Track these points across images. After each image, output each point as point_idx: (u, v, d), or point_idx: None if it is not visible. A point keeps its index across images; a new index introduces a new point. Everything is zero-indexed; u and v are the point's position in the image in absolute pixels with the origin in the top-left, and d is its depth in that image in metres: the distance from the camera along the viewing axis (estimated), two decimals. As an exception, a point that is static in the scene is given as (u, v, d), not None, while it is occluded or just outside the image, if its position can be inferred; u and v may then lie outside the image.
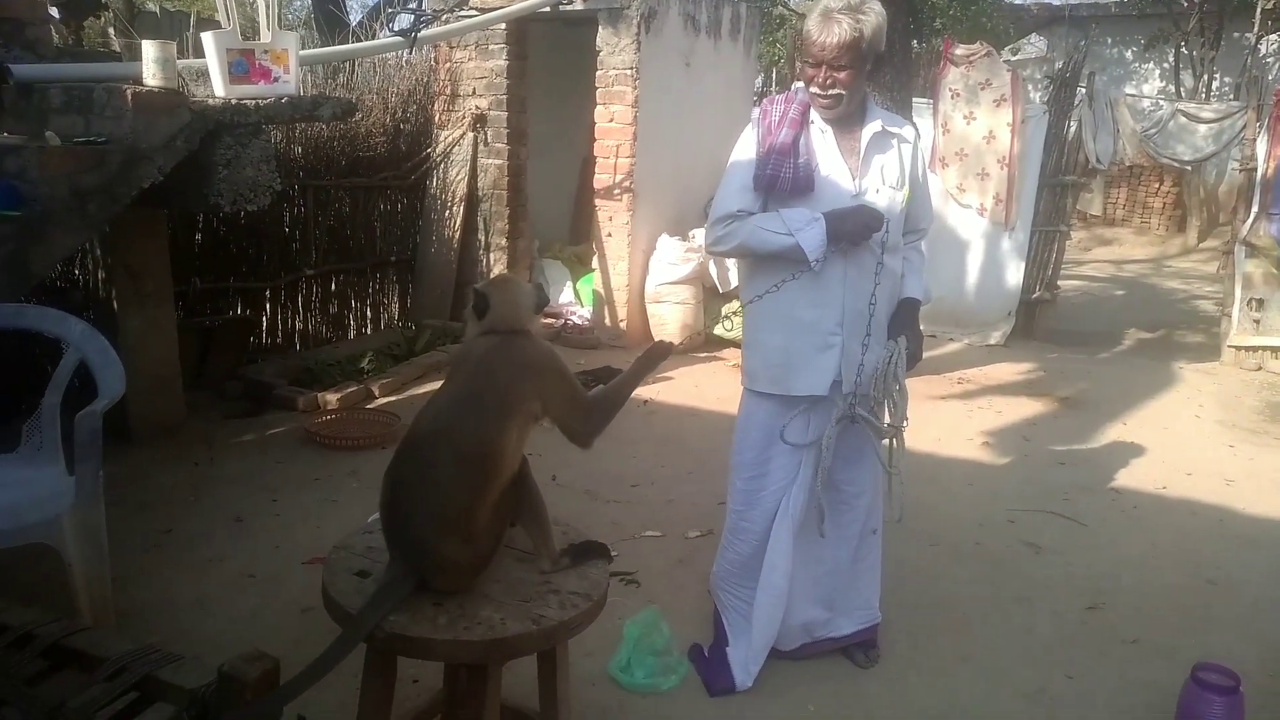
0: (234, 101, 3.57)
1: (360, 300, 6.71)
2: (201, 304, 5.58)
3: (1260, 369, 6.85)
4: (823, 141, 2.64)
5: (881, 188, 2.65)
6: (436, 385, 5.56)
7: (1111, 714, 2.78)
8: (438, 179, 6.83)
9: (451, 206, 6.82)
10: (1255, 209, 6.80)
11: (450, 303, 6.88)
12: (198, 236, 5.56)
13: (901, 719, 2.71)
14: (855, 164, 2.65)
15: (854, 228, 2.54)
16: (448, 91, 6.80)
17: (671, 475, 4.39)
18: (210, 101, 3.57)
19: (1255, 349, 6.92)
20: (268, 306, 6.02)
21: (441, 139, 6.82)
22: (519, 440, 2.08)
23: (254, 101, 3.61)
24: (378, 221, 6.71)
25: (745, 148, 2.68)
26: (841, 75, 2.51)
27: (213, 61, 3.57)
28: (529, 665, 2.20)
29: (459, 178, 6.78)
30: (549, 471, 4.37)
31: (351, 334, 6.60)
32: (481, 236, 6.93)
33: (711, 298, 6.70)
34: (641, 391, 5.67)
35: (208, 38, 3.57)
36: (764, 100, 2.82)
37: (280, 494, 4.03)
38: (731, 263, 6.71)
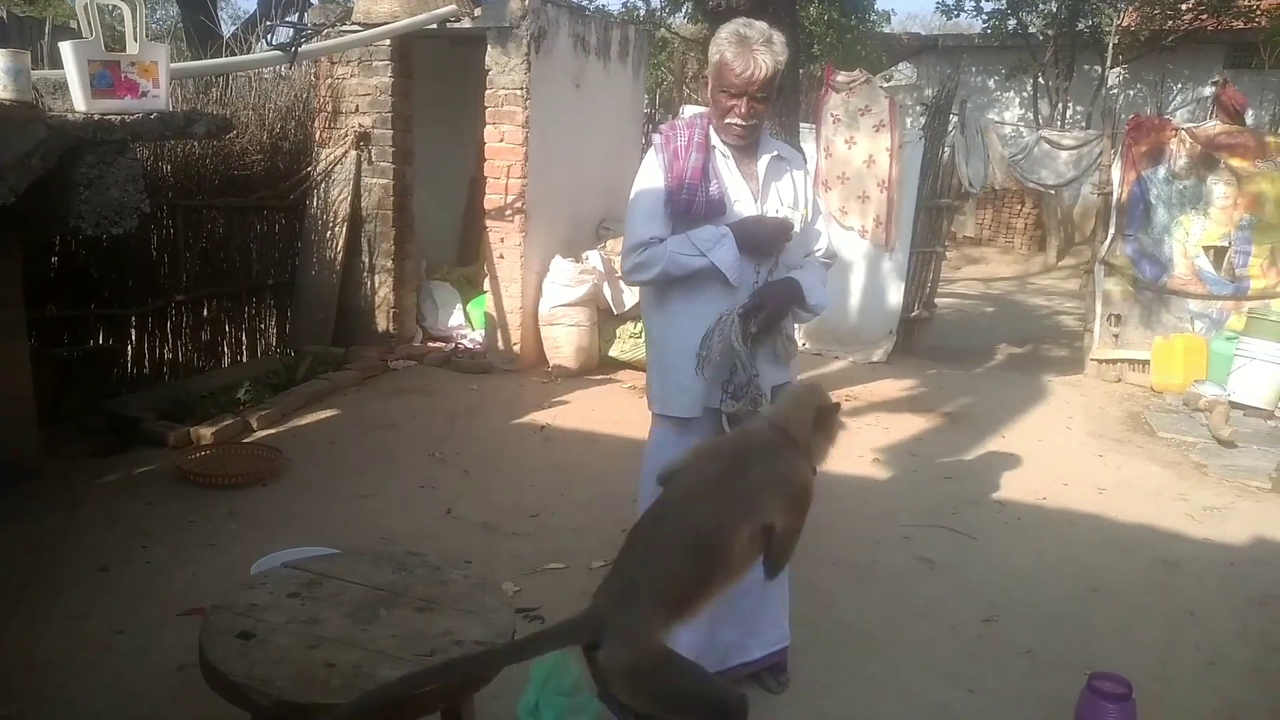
0: (97, 117, 3.31)
1: (235, 326, 6.37)
2: (59, 333, 5.17)
3: (1120, 380, 7.29)
4: (726, 167, 2.68)
5: (781, 208, 2.73)
6: (320, 416, 5.43)
7: None
8: (319, 198, 6.56)
9: (333, 227, 6.57)
10: (1112, 231, 7.26)
11: (332, 328, 6.62)
12: (54, 259, 5.16)
13: (814, 745, 2.71)
14: (756, 188, 2.71)
15: (768, 235, 2.60)
16: (329, 108, 6.56)
17: (573, 503, 4.30)
18: (70, 116, 3.31)
19: (1115, 362, 7.37)
20: (133, 334, 5.63)
21: (323, 157, 6.57)
22: (746, 548, 1.99)
23: (119, 117, 3.36)
24: (254, 243, 6.39)
25: (651, 174, 2.67)
26: (760, 106, 2.59)
27: (72, 73, 3.31)
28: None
29: (341, 197, 6.54)
30: (443, 504, 4.23)
31: (226, 362, 6.25)
32: (366, 258, 6.70)
33: (606, 319, 6.66)
34: (537, 417, 5.57)
35: (66, 48, 3.31)
36: (663, 126, 2.82)
37: (151, 539, 3.74)
38: (624, 283, 6.70)
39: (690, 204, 2.59)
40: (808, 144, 7.15)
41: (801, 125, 6.76)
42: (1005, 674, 3.12)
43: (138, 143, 3.72)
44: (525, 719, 2.66)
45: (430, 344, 7.04)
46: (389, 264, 6.69)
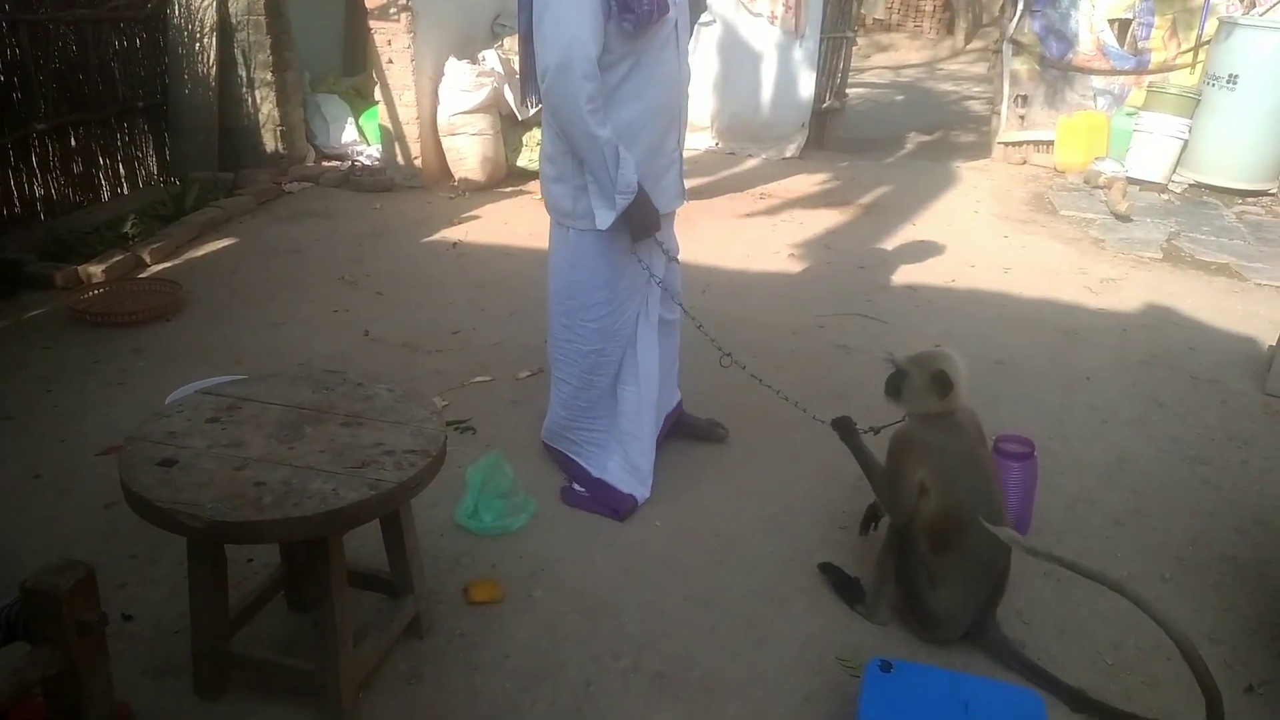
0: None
1: (109, 156, 5.88)
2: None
3: (1025, 162, 7.41)
4: None
5: None
6: (217, 246, 5.16)
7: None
8: (180, 7, 5.94)
9: (201, 38, 5.99)
10: (1020, 7, 7.14)
11: (216, 151, 6.18)
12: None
13: (743, 518, 2.84)
14: None
15: (643, 223, 2.57)
16: (177, -101, 5.82)
17: (493, 318, 4.26)
18: None
19: (1021, 144, 7.46)
20: (-6, 170, 5.16)
21: (178, -42, 5.89)
22: None
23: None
24: (115, 62, 5.80)
25: None
26: None
27: None
28: (373, 526, 2.10)
29: (205, 4, 5.93)
30: (359, 327, 4.14)
31: (106, 196, 5.82)
32: (242, 71, 6.17)
33: (511, 127, 6.37)
34: (448, 234, 5.41)
35: None
36: None
37: (55, 383, 3.58)
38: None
39: (642, 4, 2.35)
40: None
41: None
42: (918, 444, 3.29)
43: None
44: (465, 523, 2.73)
45: (325, 163, 6.67)
46: (268, 77, 6.19)
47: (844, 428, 2.56)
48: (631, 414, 2.85)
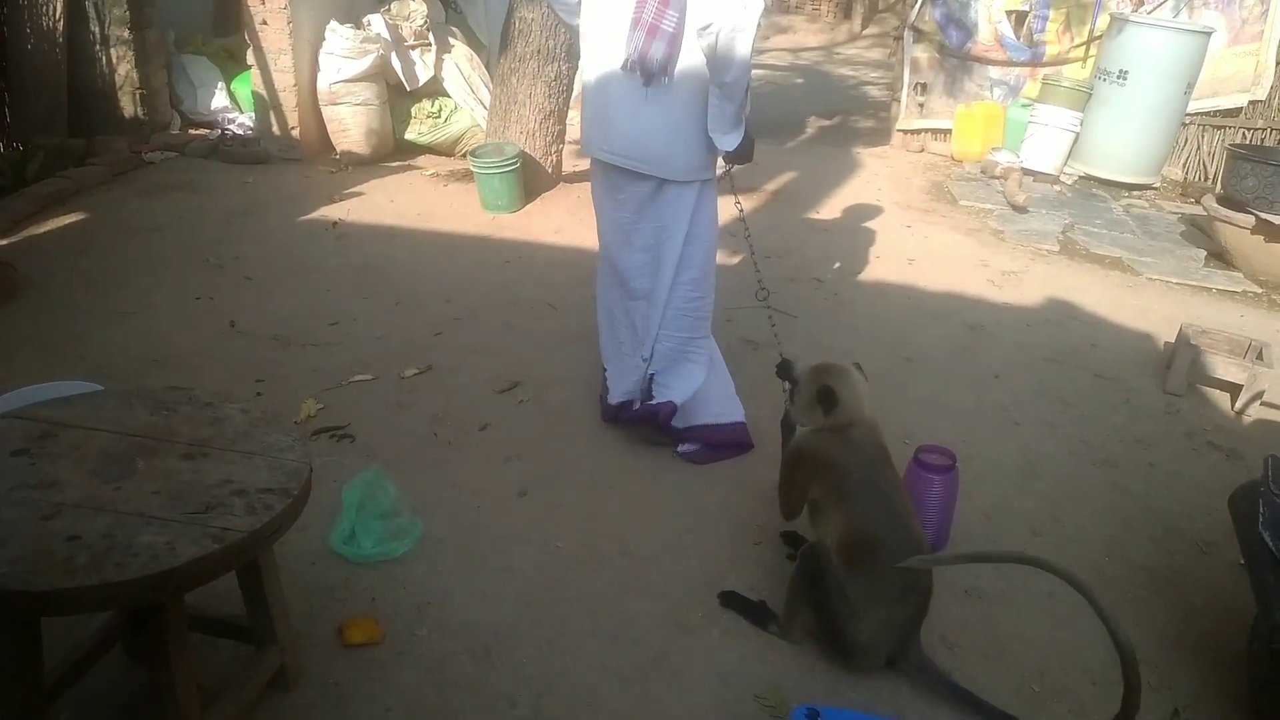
0: None
1: (-65, 115, 5.22)
2: None
3: (923, 150, 7.42)
4: None
5: None
6: (63, 222, 4.60)
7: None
8: (19, -50, 5.29)
9: (46, -12, 5.36)
10: (922, -6, 7.10)
11: (65, 115, 5.56)
12: None
13: (652, 536, 2.63)
14: None
15: (750, 147, 2.89)
16: None
17: (376, 308, 3.90)
18: None
19: (919, 132, 7.46)
20: None
21: (14, -105, 5.24)
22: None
23: None
24: (-60, 9, 5.13)
25: None
26: None
27: None
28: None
29: (50, -51, 5.30)
30: (224, 317, 3.73)
31: (-69, 161, 5.15)
32: (95, 28, 5.56)
33: (399, 97, 5.95)
34: (328, 212, 5.00)
35: None
36: None
37: None
38: (416, 54, 5.98)
39: None
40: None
41: None
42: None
43: None
44: (340, 549, 2.42)
45: (192, 131, 6.10)
46: (125, 34, 5.60)
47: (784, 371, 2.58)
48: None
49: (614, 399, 3.05)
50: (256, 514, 1.55)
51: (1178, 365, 3.72)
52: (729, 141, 2.75)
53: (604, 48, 2.71)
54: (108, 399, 1.85)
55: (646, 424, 3.02)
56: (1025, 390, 3.67)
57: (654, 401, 2.97)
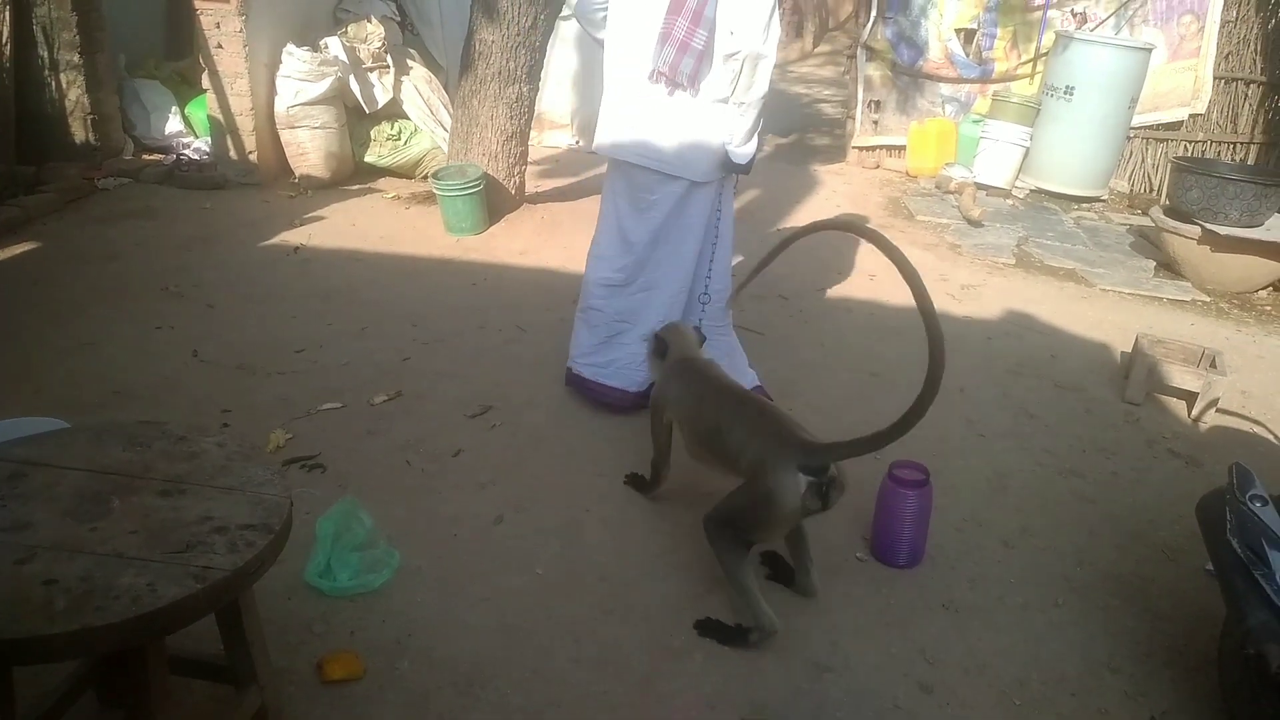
0: None
1: (-125, 143, 5.06)
2: None
3: (879, 167, 7.54)
4: None
5: None
6: (14, 252, 4.48)
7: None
8: (-37, -26, 5.17)
9: (-9, 12, 5.23)
10: (874, 13, 7.24)
11: (13, 141, 5.42)
12: None
13: (630, 558, 2.63)
14: None
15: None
16: None
17: (341, 334, 3.86)
18: None
19: (874, 148, 7.59)
20: None
21: (-42, -82, 5.12)
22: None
23: None
24: (-120, 34, 4.99)
25: None
26: None
27: None
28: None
29: (-5, -27, 5.18)
30: (187, 346, 3.66)
31: None
32: (44, 52, 5.45)
33: (358, 120, 5.91)
34: (289, 237, 4.94)
35: None
36: None
37: None
38: (374, 76, 5.95)
39: None
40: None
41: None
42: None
43: None
44: (316, 583, 2.38)
45: (146, 156, 6.00)
46: (75, 59, 5.49)
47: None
48: None
49: (634, 387, 3.30)
50: (239, 551, 1.52)
51: (1136, 375, 3.82)
52: (743, 154, 3.07)
53: (630, 60, 3.05)
54: (78, 435, 1.81)
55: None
56: (989, 402, 3.74)
57: None
